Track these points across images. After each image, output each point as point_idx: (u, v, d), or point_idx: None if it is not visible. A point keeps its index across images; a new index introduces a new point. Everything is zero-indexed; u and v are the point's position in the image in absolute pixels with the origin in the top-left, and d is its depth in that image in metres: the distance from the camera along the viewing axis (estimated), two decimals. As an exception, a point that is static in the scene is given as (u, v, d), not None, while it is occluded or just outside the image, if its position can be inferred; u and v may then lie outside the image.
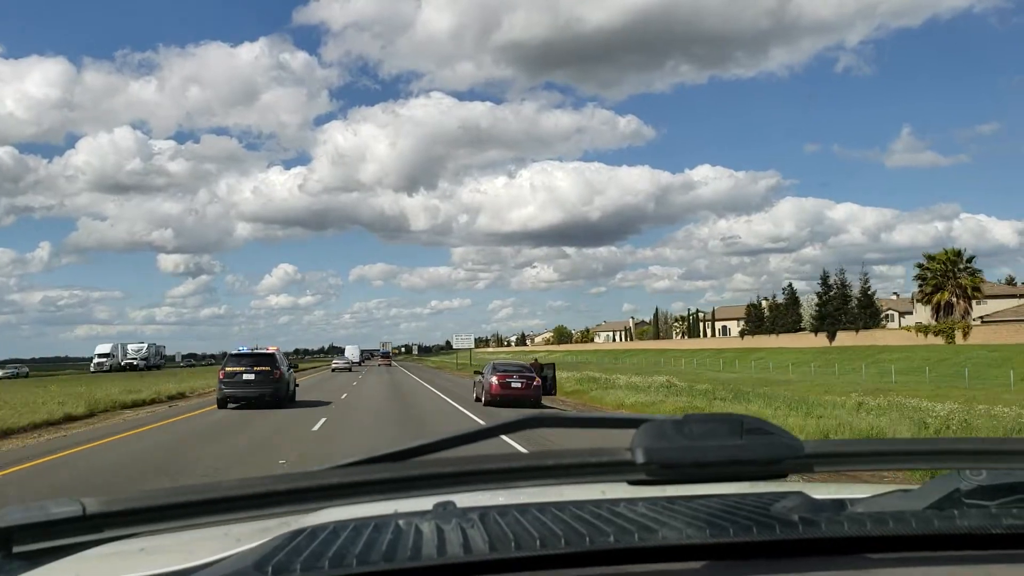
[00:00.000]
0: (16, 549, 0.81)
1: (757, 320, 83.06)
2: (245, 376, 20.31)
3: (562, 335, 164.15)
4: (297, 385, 25.09)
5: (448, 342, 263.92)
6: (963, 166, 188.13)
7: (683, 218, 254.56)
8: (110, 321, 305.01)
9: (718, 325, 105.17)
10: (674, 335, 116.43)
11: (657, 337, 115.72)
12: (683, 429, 0.85)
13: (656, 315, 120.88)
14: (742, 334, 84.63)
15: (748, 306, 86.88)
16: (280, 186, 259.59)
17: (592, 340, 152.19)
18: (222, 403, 20.55)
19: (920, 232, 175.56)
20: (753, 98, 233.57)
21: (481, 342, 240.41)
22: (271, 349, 22.53)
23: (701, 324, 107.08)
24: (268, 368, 20.62)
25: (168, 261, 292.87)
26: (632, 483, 0.85)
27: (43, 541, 0.81)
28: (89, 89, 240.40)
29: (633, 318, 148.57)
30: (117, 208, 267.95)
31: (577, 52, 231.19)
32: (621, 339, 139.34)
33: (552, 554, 0.83)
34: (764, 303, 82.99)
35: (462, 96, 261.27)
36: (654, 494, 1.03)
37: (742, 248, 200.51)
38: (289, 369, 23.32)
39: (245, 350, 22.41)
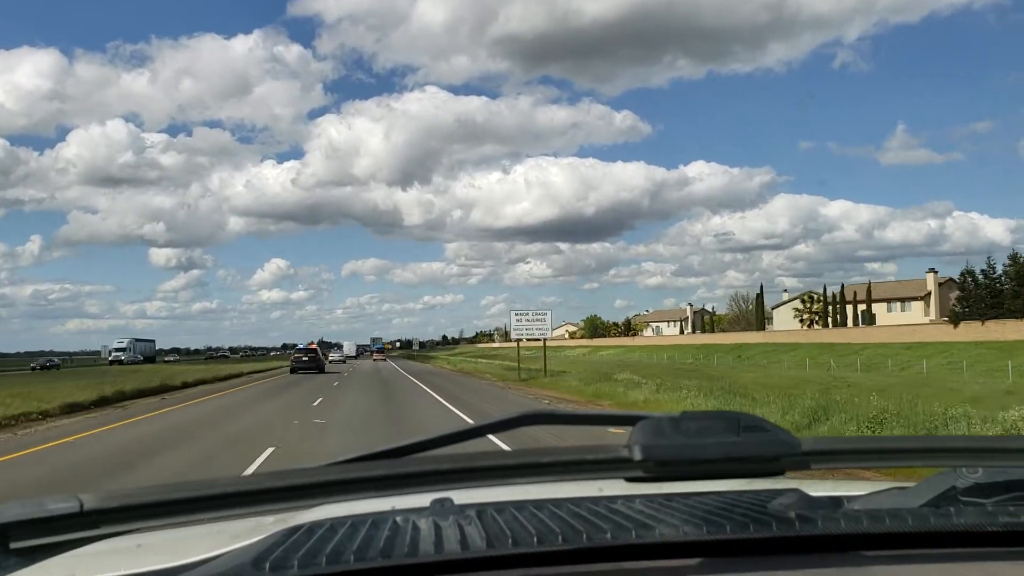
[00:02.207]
0: (13, 545, 0.80)
1: (989, 296, 51.37)
2: (303, 358, 47.51)
3: (596, 328, 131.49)
4: (327, 361, 56.53)
5: (445, 336, 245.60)
6: (957, 163, 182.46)
7: (677, 214, 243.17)
8: (101, 315, 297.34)
9: (859, 307, 73.59)
10: (773, 322, 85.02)
11: (761, 326, 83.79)
12: (680, 426, 0.85)
13: (759, 297, 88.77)
14: (955, 318, 52.76)
15: (963, 274, 54.78)
16: (273, 180, 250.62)
17: (637, 333, 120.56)
18: (293, 371, 45.81)
19: (912, 230, 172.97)
20: (750, 94, 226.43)
21: (485, 336, 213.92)
22: (313, 345, 54.94)
23: (851, 307, 74.79)
24: (314, 354, 48.91)
25: (160, 255, 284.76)
26: (629, 480, 0.85)
27: (40, 537, 0.80)
28: (81, 81, 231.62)
29: (691, 304, 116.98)
30: (108, 201, 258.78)
31: (574, 45, 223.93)
32: (686, 330, 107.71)
33: (549, 551, 0.83)
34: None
35: (457, 90, 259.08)
36: (651, 491, 1.03)
37: (735, 245, 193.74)
38: (321, 354, 53.29)
39: (303, 346, 53.41)
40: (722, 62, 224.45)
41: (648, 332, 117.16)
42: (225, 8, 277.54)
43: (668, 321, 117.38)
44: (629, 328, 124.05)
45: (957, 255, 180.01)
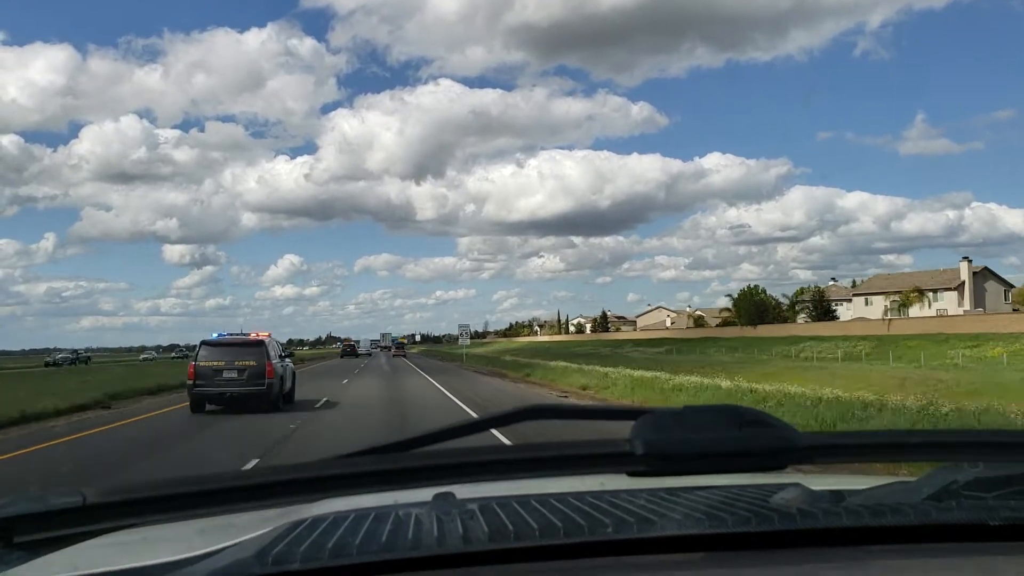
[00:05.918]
0: (17, 539, 0.81)
1: None
2: (348, 349, 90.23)
3: (760, 307, 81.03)
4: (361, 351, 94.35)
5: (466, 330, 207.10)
6: (977, 153, 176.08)
7: (692, 207, 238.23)
8: (115, 312, 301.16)
9: None
10: None
11: None
12: (682, 420, 0.85)
13: None
14: None
15: None
16: (286, 175, 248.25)
17: (835, 313, 72.19)
18: (342, 356, 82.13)
19: (930, 221, 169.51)
20: (768, 83, 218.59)
21: (524, 327, 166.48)
22: (351, 341, 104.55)
23: None
24: (354, 346, 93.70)
25: (173, 252, 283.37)
26: (632, 474, 0.85)
27: (43, 531, 0.81)
28: (93, 76, 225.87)
29: (968, 260, 68.47)
30: (122, 198, 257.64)
31: (591, 33, 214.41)
32: (962, 303, 59.51)
33: (552, 544, 0.83)
34: None
35: (472, 82, 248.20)
36: (653, 485, 1.04)
37: (750, 237, 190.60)
38: (358, 346, 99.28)
39: (350, 342, 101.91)
40: (741, 50, 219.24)
41: (869, 312, 68.57)
42: (238, 1, 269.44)
43: (923, 290, 68.62)
44: (822, 302, 75.02)
45: (975, 246, 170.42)
